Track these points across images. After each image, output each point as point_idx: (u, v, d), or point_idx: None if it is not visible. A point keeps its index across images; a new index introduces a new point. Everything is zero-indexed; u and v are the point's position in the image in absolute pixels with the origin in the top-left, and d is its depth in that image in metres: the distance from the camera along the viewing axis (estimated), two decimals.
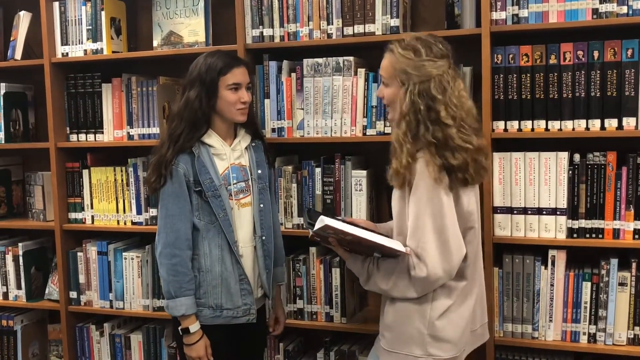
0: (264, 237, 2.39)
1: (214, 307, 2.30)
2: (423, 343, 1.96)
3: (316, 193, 2.70)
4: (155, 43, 2.97)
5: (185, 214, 2.26)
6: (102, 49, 2.98)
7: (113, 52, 3.00)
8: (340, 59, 2.61)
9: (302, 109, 2.68)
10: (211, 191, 2.26)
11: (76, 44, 3.02)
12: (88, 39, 3.00)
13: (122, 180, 3.01)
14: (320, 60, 2.64)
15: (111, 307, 3.05)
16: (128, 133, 3.00)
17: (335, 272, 2.70)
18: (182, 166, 2.25)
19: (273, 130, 2.73)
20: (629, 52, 2.29)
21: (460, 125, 1.92)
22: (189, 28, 2.90)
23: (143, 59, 3.03)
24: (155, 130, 2.95)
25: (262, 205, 2.41)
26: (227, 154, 2.34)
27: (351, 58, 2.60)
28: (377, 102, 2.58)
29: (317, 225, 1.95)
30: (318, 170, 2.69)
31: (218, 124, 2.34)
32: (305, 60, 2.66)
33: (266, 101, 2.73)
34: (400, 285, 1.96)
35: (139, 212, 3.00)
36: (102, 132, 3.04)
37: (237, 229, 2.32)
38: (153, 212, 2.96)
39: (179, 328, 2.28)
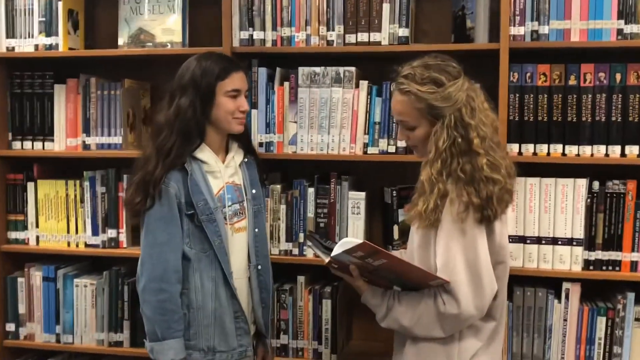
0: (259, 267, 2.11)
1: (206, 350, 1.98)
2: None
3: (308, 216, 2.43)
4: (120, 41, 2.62)
5: (175, 242, 1.94)
6: (57, 44, 2.60)
7: (69, 48, 2.62)
8: (341, 69, 2.36)
9: (296, 122, 2.41)
10: (205, 215, 1.96)
11: (25, 38, 2.63)
12: (40, 32, 2.61)
13: (75, 196, 2.63)
14: (317, 69, 2.38)
15: (58, 341, 2.65)
16: (84, 142, 2.64)
17: (326, 304, 2.44)
18: (174, 185, 1.94)
19: (260, 144, 2.44)
20: None
21: (489, 147, 1.73)
22: (163, 26, 2.57)
23: (105, 59, 2.68)
24: (117, 140, 2.60)
25: (257, 230, 2.13)
26: (221, 172, 2.04)
27: (353, 68, 2.36)
28: (380, 119, 2.36)
29: (346, 247, 1.69)
30: (311, 190, 2.43)
31: (211, 136, 2.04)
32: (300, 69, 2.40)
33: (253, 112, 2.44)
34: (426, 322, 1.74)
35: (95, 233, 2.62)
36: (53, 140, 2.66)
37: (230, 257, 2.02)
38: (112, 233, 2.60)
39: None
